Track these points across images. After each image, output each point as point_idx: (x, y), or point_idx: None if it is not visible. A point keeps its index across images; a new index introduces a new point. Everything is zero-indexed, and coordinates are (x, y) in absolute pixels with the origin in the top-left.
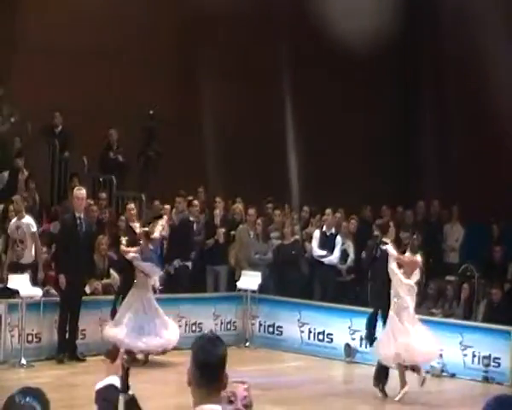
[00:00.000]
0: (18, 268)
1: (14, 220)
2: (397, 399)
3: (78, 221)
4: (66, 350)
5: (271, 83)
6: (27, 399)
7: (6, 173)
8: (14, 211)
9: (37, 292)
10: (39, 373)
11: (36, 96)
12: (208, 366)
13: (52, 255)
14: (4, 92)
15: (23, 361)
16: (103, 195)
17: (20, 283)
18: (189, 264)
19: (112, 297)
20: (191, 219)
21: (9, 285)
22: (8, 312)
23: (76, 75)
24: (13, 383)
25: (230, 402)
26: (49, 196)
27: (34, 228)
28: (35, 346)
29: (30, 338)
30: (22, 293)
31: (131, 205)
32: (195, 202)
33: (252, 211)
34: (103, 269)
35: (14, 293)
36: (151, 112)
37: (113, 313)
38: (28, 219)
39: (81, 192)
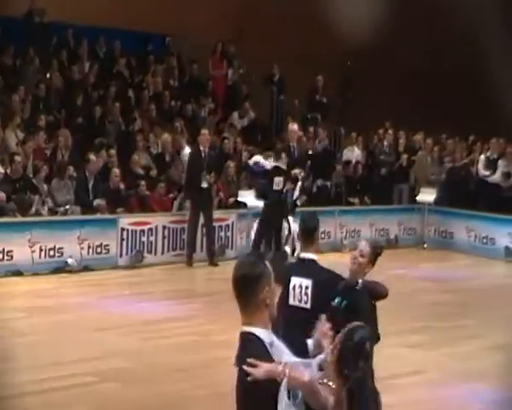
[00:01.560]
0: None
1: None
2: None
3: (292, 149)
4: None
5: None
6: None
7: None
8: None
9: (260, 204)
10: None
11: (259, 52)
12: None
13: None
14: (235, 50)
15: None
16: (311, 129)
17: (247, 198)
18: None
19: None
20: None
21: (238, 199)
22: (237, 219)
23: (291, 35)
24: None
25: None
26: (269, 130)
27: None
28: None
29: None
30: (249, 204)
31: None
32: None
33: (429, 140)
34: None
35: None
36: (349, 63)
37: None
38: None
39: (294, 127)
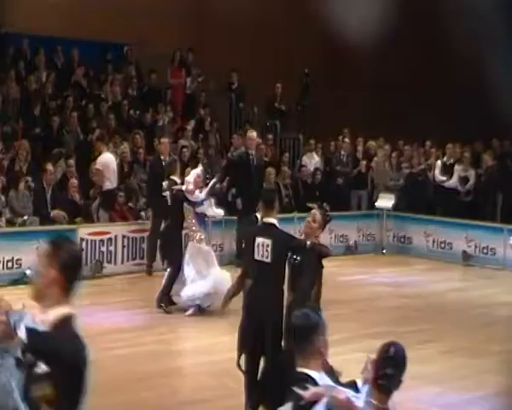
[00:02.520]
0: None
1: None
2: None
3: (251, 156)
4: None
5: None
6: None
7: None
8: None
9: (220, 213)
10: None
11: (217, 60)
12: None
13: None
14: (194, 58)
15: None
16: (269, 136)
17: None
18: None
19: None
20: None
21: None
22: None
23: (249, 43)
24: None
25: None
26: (228, 138)
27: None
28: (219, 254)
29: (215, 248)
30: (208, 214)
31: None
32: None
33: (386, 146)
34: None
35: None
36: (306, 70)
37: None
38: None
39: (253, 134)
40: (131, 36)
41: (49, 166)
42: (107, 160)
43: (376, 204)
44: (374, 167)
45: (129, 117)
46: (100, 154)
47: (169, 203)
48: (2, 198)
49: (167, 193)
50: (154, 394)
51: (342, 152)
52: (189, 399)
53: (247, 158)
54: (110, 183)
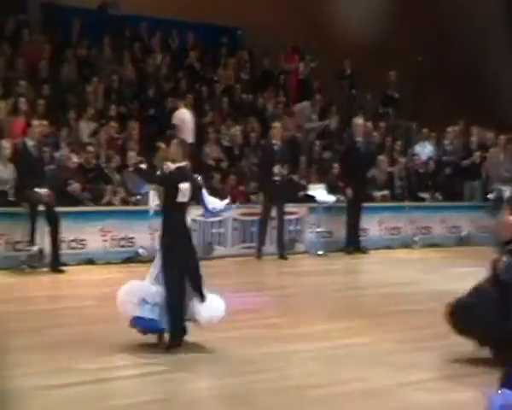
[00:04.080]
0: None
1: None
2: None
3: (358, 144)
4: (353, 244)
5: None
6: None
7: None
8: None
9: (331, 199)
10: (332, 261)
11: (330, 46)
12: None
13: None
14: (307, 44)
15: (319, 252)
16: (382, 124)
17: (317, 192)
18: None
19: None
20: None
21: (308, 193)
22: (307, 213)
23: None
24: (312, 268)
25: None
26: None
27: None
28: (328, 240)
29: (324, 234)
30: (318, 199)
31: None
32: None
33: (502, 137)
34: (383, 182)
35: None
36: (419, 58)
37: None
38: None
39: (359, 121)
40: (245, 20)
41: (162, 145)
42: (183, 115)
43: (489, 196)
44: (488, 158)
45: (241, 100)
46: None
47: None
48: (117, 177)
49: (277, 177)
50: (264, 377)
51: (455, 141)
52: (299, 384)
53: (354, 145)
54: (187, 138)
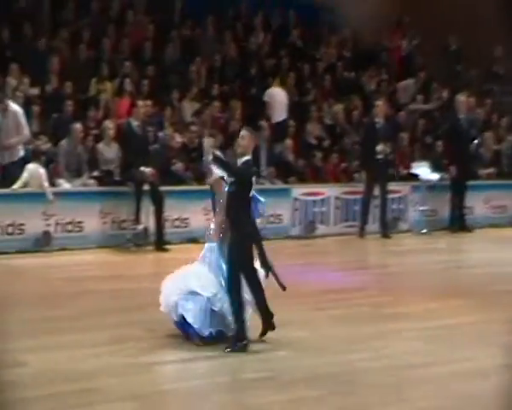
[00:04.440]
0: None
1: None
2: None
3: (461, 121)
4: (457, 223)
5: None
6: None
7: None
8: None
9: (434, 177)
10: (436, 240)
11: (433, 22)
12: None
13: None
14: (410, 20)
15: (423, 231)
16: (488, 101)
17: (420, 170)
18: None
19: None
20: None
21: (412, 171)
22: (411, 192)
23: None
24: (416, 247)
25: None
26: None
27: None
28: (432, 219)
29: (427, 213)
30: (422, 177)
31: None
32: None
33: None
34: (489, 160)
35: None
36: None
37: None
38: None
39: (462, 98)
40: None
41: (264, 123)
42: (274, 92)
43: None
44: None
45: (343, 78)
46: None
47: None
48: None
49: (380, 155)
50: (365, 356)
51: None
52: (401, 363)
53: (457, 122)
54: (279, 115)
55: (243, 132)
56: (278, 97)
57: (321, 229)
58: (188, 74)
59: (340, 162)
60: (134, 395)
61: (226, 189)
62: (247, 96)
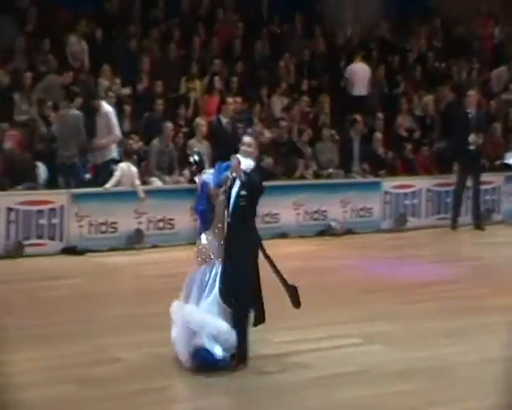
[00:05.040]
0: None
1: None
2: None
3: (470, 115)
4: None
5: None
6: None
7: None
8: None
9: None
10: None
11: None
12: None
13: None
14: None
15: None
16: None
17: None
18: None
19: None
20: None
21: (505, 161)
22: (504, 183)
23: None
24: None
25: None
26: None
27: None
28: None
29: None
30: None
31: None
32: None
33: None
34: None
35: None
36: None
37: None
38: None
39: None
40: None
41: (358, 117)
42: (356, 68)
43: None
44: None
45: (434, 69)
46: None
47: None
48: (309, 150)
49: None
50: (459, 350)
51: None
52: (494, 357)
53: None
54: (359, 90)
55: (248, 139)
56: (360, 73)
57: (412, 222)
58: (277, 70)
59: (430, 154)
60: (230, 390)
61: (232, 201)
62: (336, 91)
